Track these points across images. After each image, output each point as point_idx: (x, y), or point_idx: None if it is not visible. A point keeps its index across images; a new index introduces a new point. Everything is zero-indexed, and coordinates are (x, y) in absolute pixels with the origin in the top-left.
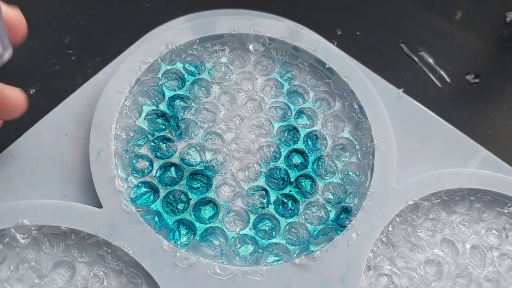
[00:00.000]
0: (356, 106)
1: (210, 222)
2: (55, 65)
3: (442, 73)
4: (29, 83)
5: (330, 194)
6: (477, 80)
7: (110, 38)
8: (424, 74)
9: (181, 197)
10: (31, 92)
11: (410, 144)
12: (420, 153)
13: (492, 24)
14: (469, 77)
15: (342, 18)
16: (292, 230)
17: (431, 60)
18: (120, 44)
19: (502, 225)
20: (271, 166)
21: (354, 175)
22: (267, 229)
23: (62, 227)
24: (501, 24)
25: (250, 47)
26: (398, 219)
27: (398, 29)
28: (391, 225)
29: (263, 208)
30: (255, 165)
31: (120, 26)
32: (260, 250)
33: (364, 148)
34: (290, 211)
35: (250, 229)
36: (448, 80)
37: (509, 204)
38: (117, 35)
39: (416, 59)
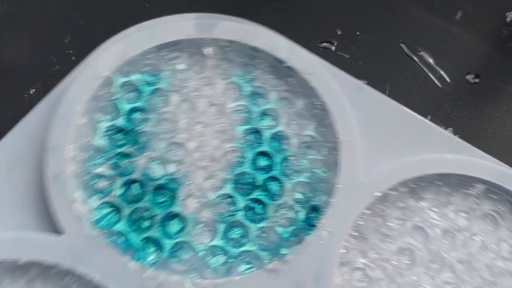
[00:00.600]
0: (318, 103)
1: (178, 237)
2: (55, 65)
3: (442, 73)
4: (29, 83)
5: (299, 194)
6: (477, 80)
7: (110, 38)
8: (424, 74)
9: (146, 214)
10: (31, 92)
11: (376, 136)
12: (387, 144)
13: (492, 24)
14: (469, 77)
15: (342, 18)
16: (263, 235)
17: (431, 60)
18: None
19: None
20: (237, 172)
21: (321, 172)
22: (237, 237)
23: (22, 260)
24: (501, 24)
25: (208, 51)
26: (367, 212)
27: (398, 29)
28: (361, 219)
29: (232, 216)
30: (221, 173)
31: (120, 26)
32: (231, 260)
33: (329, 144)
34: (259, 216)
35: (220, 239)
36: (448, 80)
37: (475, 184)
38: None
39: (416, 59)
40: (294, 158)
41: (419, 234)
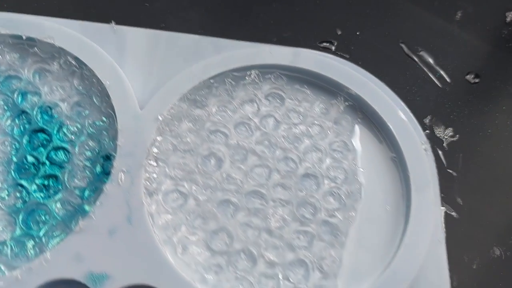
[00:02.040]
0: (72, 60)
1: None
2: None
3: (442, 73)
4: None
5: (87, 152)
6: (477, 80)
7: None
8: (424, 74)
9: None
10: None
11: (141, 67)
12: (155, 70)
13: (492, 24)
14: (469, 77)
15: (342, 18)
16: (64, 204)
17: (431, 60)
18: None
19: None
20: (16, 160)
21: (100, 122)
22: (40, 219)
23: None
24: (501, 24)
25: None
26: (159, 138)
27: (398, 29)
28: (153, 147)
29: (25, 202)
30: None
31: (121, 25)
32: (40, 241)
33: (98, 93)
34: (54, 189)
35: (21, 229)
36: (448, 80)
37: (248, 72)
38: None
39: (416, 59)
40: (70, 121)
41: (216, 136)
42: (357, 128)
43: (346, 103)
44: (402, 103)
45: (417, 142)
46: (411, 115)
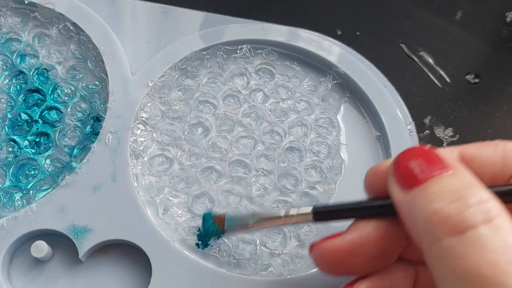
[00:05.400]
0: (70, 26)
1: None
2: None
3: (442, 73)
4: None
5: (78, 113)
6: (477, 80)
7: None
8: (424, 74)
9: None
10: None
11: (137, 36)
12: (149, 40)
13: (492, 24)
14: (469, 77)
15: (342, 18)
16: (54, 161)
17: (431, 60)
18: None
19: (243, 67)
20: (9, 116)
21: (93, 86)
22: (29, 172)
23: None
24: (501, 24)
25: None
26: (149, 104)
27: (398, 29)
28: (142, 112)
29: (16, 156)
30: None
31: None
32: (28, 193)
33: (93, 58)
34: (45, 146)
35: (10, 181)
36: (448, 80)
37: (240, 46)
38: None
39: (416, 59)
40: (64, 83)
41: (205, 106)
42: (343, 106)
43: (334, 82)
44: (390, 84)
45: (402, 122)
46: (398, 96)
